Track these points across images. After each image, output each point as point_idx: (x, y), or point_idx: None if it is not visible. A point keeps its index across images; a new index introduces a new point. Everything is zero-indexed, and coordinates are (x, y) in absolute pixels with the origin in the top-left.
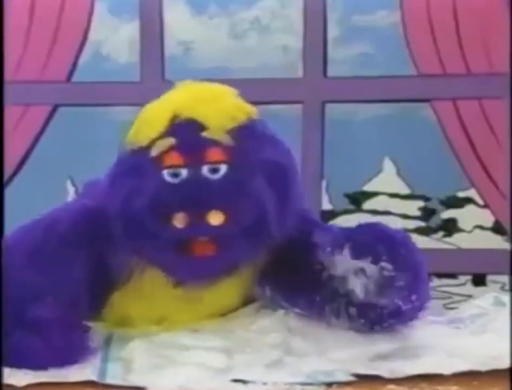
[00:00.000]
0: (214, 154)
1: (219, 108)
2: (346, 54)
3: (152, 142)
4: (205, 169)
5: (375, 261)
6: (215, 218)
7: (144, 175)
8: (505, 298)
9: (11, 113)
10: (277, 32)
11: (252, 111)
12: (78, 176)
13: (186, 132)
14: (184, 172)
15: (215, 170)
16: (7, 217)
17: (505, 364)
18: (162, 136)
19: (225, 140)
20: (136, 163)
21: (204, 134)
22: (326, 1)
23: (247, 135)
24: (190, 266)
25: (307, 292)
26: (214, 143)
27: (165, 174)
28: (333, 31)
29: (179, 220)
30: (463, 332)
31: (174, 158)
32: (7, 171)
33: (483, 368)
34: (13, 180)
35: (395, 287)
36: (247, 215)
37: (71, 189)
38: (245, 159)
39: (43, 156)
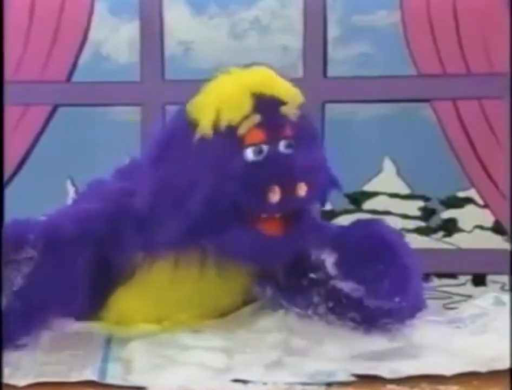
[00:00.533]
0: (289, 129)
1: (289, 85)
2: (346, 54)
3: (239, 122)
4: (281, 145)
5: (362, 261)
6: (302, 189)
7: (228, 157)
8: (506, 297)
9: (11, 113)
10: (277, 32)
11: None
12: (78, 176)
13: (268, 109)
14: (265, 148)
15: (288, 146)
16: (7, 217)
17: (505, 365)
18: (249, 114)
19: (296, 115)
20: (222, 147)
21: (283, 109)
22: (326, 1)
23: (304, 112)
24: (266, 246)
25: (305, 292)
26: (289, 118)
27: (249, 152)
28: (333, 31)
29: (274, 194)
30: (463, 332)
31: (258, 136)
32: (7, 171)
33: (483, 369)
34: (13, 180)
35: (381, 288)
36: (323, 187)
37: (71, 189)
38: (307, 135)
39: (43, 156)
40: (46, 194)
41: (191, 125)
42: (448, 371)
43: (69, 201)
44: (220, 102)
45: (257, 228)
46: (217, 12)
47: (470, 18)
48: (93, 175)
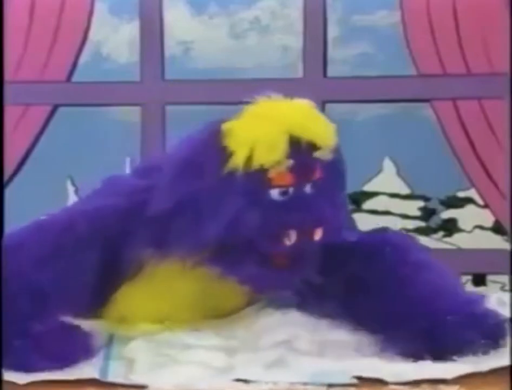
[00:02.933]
0: (319, 172)
1: (326, 127)
2: (346, 54)
3: (270, 165)
4: (308, 187)
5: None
6: (318, 234)
7: (254, 193)
8: (507, 297)
9: (11, 113)
10: (277, 32)
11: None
12: (78, 176)
13: (303, 154)
14: (290, 190)
15: (314, 186)
16: (7, 217)
17: (505, 364)
18: (282, 159)
19: (328, 157)
20: (249, 184)
21: (316, 154)
22: (326, 1)
23: (337, 152)
24: (274, 279)
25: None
26: (320, 162)
27: (275, 193)
28: (333, 31)
29: (290, 238)
30: None
31: (287, 179)
32: (7, 171)
33: (484, 369)
34: (13, 180)
35: None
36: (340, 228)
37: (71, 189)
38: (335, 175)
39: (43, 156)
40: (46, 194)
41: (224, 152)
42: (449, 374)
43: (69, 201)
44: (256, 142)
45: (267, 262)
46: (217, 12)
47: (470, 18)
48: (93, 175)
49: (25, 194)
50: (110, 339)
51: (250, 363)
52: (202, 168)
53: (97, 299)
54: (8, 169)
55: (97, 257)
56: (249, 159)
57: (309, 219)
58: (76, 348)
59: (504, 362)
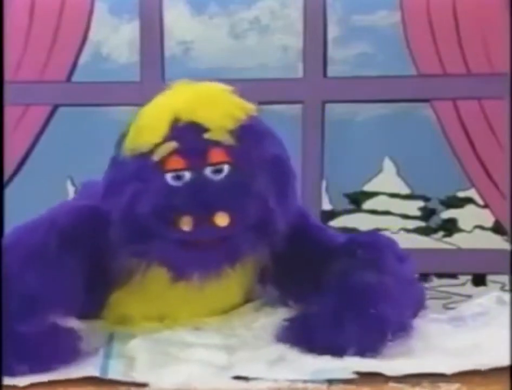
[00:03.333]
0: (216, 155)
1: (220, 109)
2: (346, 54)
3: (154, 147)
4: (208, 171)
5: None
6: (221, 220)
7: (147, 180)
8: (508, 297)
9: (11, 113)
10: (277, 32)
11: (251, 108)
12: (78, 176)
13: (187, 135)
14: (187, 175)
15: (217, 171)
16: (7, 217)
17: (505, 362)
18: (164, 140)
19: (227, 140)
20: (138, 169)
21: (206, 135)
22: (326, 1)
23: (247, 133)
24: (196, 261)
25: (307, 291)
26: (216, 144)
27: (168, 177)
28: (333, 31)
29: (185, 224)
30: (464, 330)
31: (177, 162)
32: (7, 171)
33: (484, 367)
34: (13, 180)
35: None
36: (252, 215)
37: (71, 189)
38: (247, 158)
39: (43, 156)
40: (46, 194)
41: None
42: (449, 369)
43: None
44: (140, 126)
45: (195, 249)
46: (217, 12)
47: (470, 18)
48: (93, 175)
49: (25, 194)
50: (110, 338)
51: (251, 361)
52: (113, 159)
53: (93, 301)
54: (8, 169)
55: (83, 257)
56: (135, 144)
57: (203, 204)
58: (60, 349)
59: (504, 361)
